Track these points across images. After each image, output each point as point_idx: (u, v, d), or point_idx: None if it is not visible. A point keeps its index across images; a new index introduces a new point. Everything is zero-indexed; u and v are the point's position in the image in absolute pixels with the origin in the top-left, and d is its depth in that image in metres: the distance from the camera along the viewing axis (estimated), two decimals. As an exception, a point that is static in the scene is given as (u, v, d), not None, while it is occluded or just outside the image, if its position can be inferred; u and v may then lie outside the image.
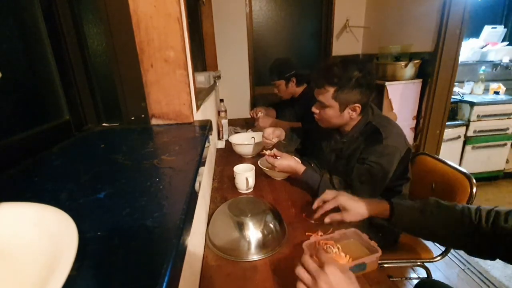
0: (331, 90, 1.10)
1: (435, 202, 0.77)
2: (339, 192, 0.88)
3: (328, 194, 0.88)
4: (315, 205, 0.90)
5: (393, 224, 0.80)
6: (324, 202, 0.88)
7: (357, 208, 0.83)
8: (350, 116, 1.14)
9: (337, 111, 1.13)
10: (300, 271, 0.62)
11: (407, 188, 1.22)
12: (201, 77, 1.45)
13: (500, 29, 2.91)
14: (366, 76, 1.08)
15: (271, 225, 0.87)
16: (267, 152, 1.23)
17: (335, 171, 1.21)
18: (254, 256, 0.81)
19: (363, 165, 1.08)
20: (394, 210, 0.79)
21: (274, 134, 1.43)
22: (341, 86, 1.08)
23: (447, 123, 2.13)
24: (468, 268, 1.75)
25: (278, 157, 1.19)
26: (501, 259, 0.65)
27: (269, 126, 1.84)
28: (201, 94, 1.08)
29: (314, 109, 1.21)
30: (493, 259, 0.67)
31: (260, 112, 1.98)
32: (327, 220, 0.85)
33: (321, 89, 1.13)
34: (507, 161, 2.69)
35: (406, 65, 1.98)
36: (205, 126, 0.74)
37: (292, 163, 1.17)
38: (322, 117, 1.19)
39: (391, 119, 1.20)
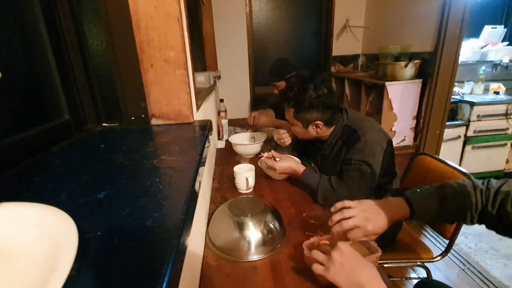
0: (291, 110, 1.20)
1: (451, 189, 0.72)
2: (360, 202, 0.77)
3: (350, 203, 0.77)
4: (333, 209, 0.79)
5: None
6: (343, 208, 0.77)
7: (378, 220, 0.73)
8: (316, 132, 1.20)
9: (301, 128, 1.21)
10: (314, 252, 0.67)
11: (396, 184, 1.24)
12: (201, 77, 1.45)
13: (500, 29, 2.91)
14: (321, 97, 1.13)
15: (271, 225, 0.87)
16: (265, 154, 1.24)
17: (323, 173, 1.23)
18: (254, 256, 0.81)
19: (351, 166, 1.10)
20: (414, 210, 0.74)
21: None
22: (298, 107, 1.17)
23: (447, 123, 2.13)
24: (468, 268, 1.75)
25: (277, 159, 1.20)
26: (498, 233, 0.66)
27: (268, 123, 1.85)
28: (201, 94, 1.08)
29: (287, 126, 1.35)
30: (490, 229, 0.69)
31: (254, 117, 1.97)
32: (351, 236, 0.73)
33: (285, 109, 1.23)
34: (507, 161, 2.69)
35: (406, 65, 1.98)
36: (205, 126, 0.74)
37: (292, 164, 1.19)
38: (294, 132, 1.30)
39: (366, 117, 1.26)
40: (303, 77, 1.22)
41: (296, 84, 1.18)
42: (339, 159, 1.17)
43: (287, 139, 1.46)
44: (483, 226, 0.70)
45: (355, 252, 0.64)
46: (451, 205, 0.71)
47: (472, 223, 0.71)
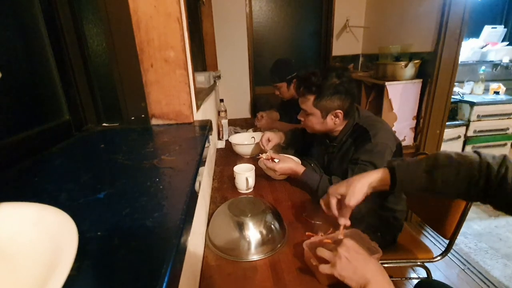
0: (311, 98, 1.14)
1: (445, 159, 0.66)
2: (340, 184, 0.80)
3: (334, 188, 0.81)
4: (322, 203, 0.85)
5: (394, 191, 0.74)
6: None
7: (357, 188, 0.75)
8: (334, 122, 1.17)
9: (319, 118, 1.17)
10: (319, 249, 0.67)
11: None
12: (201, 77, 1.45)
13: (500, 29, 2.91)
14: (345, 83, 1.11)
15: (271, 225, 0.87)
16: (264, 156, 1.23)
17: (329, 173, 1.22)
18: (254, 256, 0.81)
19: (357, 166, 1.09)
20: (396, 179, 0.71)
21: (272, 141, 1.42)
22: (320, 94, 1.12)
23: (447, 123, 2.13)
24: (468, 268, 1.75)
25: (276, 160, 1.20)
26: (496, 209, 0.61)
27: (268, 126, 1.85)
28: (201, 94, 1.08)
29: (300, 117, 1.26)
30: (486, 203, 0.63)
31: (261, 116, 1.96)
32: (342, 221, 0.79)
33: (303, 97, 1.18)
34: (507, 161, 2.69)
35: (406, 65, 1.98)
36: (205, 126, 0.74)
37: (292, 165, 1.18)
38: (307, 125, 1.24)
39: (378, 117, 1.23)
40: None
41: (319, 70, 1.15)
42: (347, 158, 1.15)
43: (264, 148, 1.39)
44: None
45: (360, 248, 0.64)
46: (440, 175, 0.65)
47: (471, 198, 0.65)
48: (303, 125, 1.28)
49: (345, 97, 1.12)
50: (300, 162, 1.26)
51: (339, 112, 1.14)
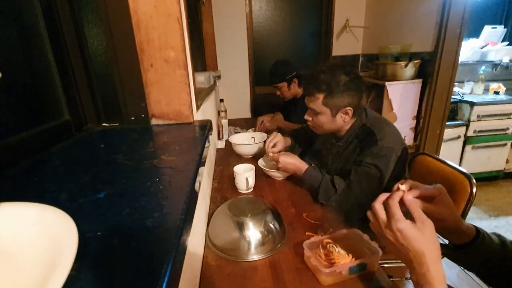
0: (321, 96, 1.12)
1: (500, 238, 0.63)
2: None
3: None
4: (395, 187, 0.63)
5: (467, 250, 0.63)
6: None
7: (452, 213, 0.60)
8: (343, 120, 1.16)
9: (329, 116, 1.15)
10: (377, 206, 0.59)
11: None
12: (201, 77, 1.45)
13: (500, 29, 2.91)
14: (354, 80, 1.10)
15: (271, 225, 0.87)
16: (270, 154, 1.26)
17: (332, 173, 1.22)
18: (254, 256, 0.81)
19: (360, 167, 1.08)
20: (480, 234, 0.62)
21: (277, 147, 1.36)
22: (330, 91, 1.10)
23: (447, 123, 2.13)
24: (468, 268, 1.75)
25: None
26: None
27: (272, 129, 1.85)
28: (201, 94, 1.08)
29: (307, 117, 1.23)
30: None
31: (262, 121, 1.96)
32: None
33: (311, 96, 1.15)
34: (507, 161, 2.69)
35: (406, 65, 1.98)
36: (205, 126, 0.74)
37: (296, 161, 1.18)
38: (316, 124, 1.21)
39: (385, 119, 1.21)
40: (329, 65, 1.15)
41: (327, 68, 1.13)
42: (352, 158, 1.15)
43: (276, 148, 1.36)
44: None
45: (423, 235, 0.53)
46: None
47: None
48: (310, 125, 1.25)
49: (355, 93, 1.11)
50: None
51: (349, 109, 1.12)
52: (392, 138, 1.10)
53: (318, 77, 1.12)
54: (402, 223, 0.53)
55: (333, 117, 1.15)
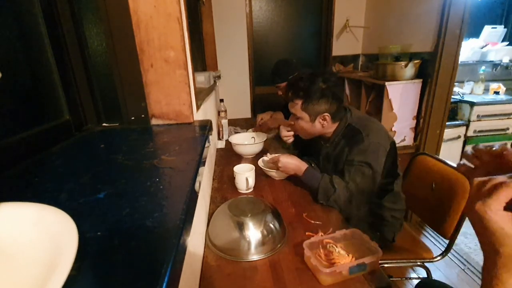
0: (299, 102, 1.18)
1: None
2: None
3: None
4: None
5: None
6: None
7: None
8: (322, 125, 1.20)
9: (308, 121, 1.20)
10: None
11: (398, 186, 1.24)
12: (201, 77, 1.45)
13: (500, 29, 2.91)
14: (332, 87, 1.15)
15: (271, 225, 0.87)
16: (269, 156, 1.27)
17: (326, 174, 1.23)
18: (254, 256, 0.81)
19: (353, 166, 1.11)
20: None
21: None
22: (307, 98, 1.16)
23: (447, 123, 2.13)
24: (468, 268, 1.75)
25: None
26: None
27: (273, 126, 1.85)
28: (201, 94, 1.08)
29: (290, 121, 1.30)
30: None
31: (261, 118, 1.96)
32: None
33: (291, 102, 1.22)
34: (507, 161, 2.68)
35: (406, 65, 1.98)
36: (205, 126, 0.74)
37: (296, 161, 1.19)
38: (297, 128, 1.28)
39: (370, 117, 1.25)
40: (310, 72, 1.22)
41: (306, 75, 1.19)
42: (342, 158, 1.17)
43: (290, 138, 1.47)
44: None
45: None
46: None
47: None
48: (293, 129, 1.33)
49: (332, 100, 1.15)
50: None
51: (327, 115, 1.17)
52: (378, 134, 1.13)
53: (297, 84, 1.18)
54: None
55: (312, 122, 1.20)
